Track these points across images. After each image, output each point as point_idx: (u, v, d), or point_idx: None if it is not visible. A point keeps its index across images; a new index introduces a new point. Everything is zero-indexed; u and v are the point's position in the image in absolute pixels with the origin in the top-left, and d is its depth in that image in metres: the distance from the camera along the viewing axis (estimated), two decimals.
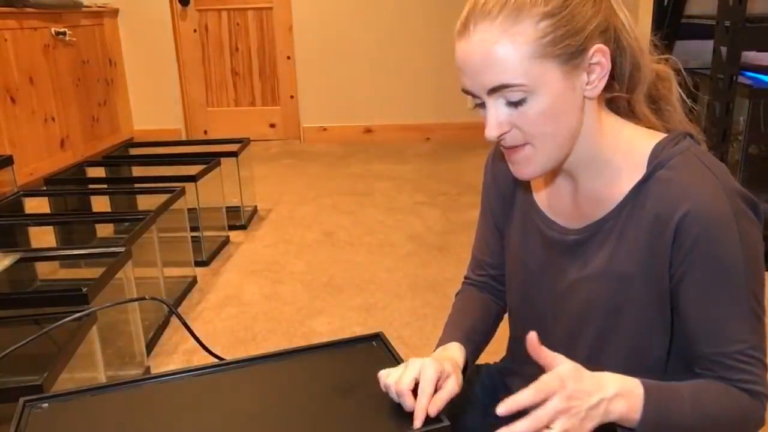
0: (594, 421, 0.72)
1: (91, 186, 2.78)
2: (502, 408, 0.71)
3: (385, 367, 0.81)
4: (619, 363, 0.84)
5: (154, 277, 2.10)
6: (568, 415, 0.70)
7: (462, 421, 1.03)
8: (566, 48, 0.73)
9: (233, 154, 2.86)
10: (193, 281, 2.36)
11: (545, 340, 0.93)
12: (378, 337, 0.95)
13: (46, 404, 0.82)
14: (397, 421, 0.76)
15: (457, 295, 1.06)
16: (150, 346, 1.90)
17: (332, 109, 4.60)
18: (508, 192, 0.97)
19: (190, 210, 2.42)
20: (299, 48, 4.51)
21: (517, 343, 1.02)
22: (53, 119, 3.57)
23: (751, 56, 2.49)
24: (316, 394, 0.83)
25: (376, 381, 0.80)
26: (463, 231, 2.79)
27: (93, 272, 1.59)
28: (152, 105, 4.57)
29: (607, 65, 0.76)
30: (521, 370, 1.01)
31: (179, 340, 1.95)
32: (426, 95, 4.46)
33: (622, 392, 0.73)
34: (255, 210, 3.15)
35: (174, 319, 2.05)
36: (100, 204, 2.64)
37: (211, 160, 2.66)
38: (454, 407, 1.02)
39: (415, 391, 0.77)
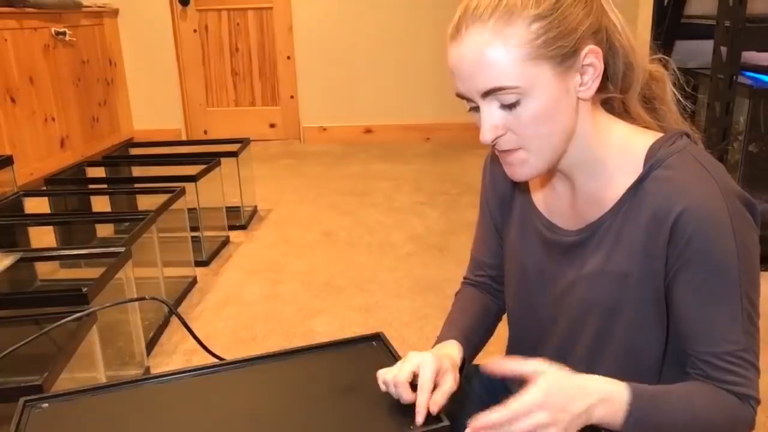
0: (577, 427, 0.72)
1: (91, 186, 2.78)
2: (474, 424, 0.71)
3: (385, 367, 0.81)
4: (617, 363, 0.84)
5: (154, 277, 2.10)
6: (555, 428, 0.71)
7: (462, 421, 1.03)
8: (559, 49, 0.73)
9: (233, 154, 2.86)
10: (193, 281, 2.36)
11: (544, 341, 0.93)
12: (378, 338, 0.95)
13: (46, 404, 0.82)
14: (397, 421, 0.76)
15: (456, 294, 1.07)
16: (150, 346, 1.90)
17: (332, 109, 4.60)
18: (507, 193, 0.97)
19: (190, 210, 2.42)
20: (299, 48, 4.51)
21: (516, 343, 1.02)
22: (53, 119, 3.57)
23: (751, 56, 2.49)
24: (316, 394, 0.83)
25: (376, 381, 0.80)
26: (463, 231, 2.79)
27: (93, 272, 1.59)
28: (152, 105, 4.57)
29: (600, 66, 0.76)
30: None
31: (179, 340, 1.95)
32: (426, 95, 4.45)
33: (606, 397, 0.73)
34: (255, 210, 3.15)
35: (174, 319, 2.05)
36: (100, 204, 2.65)
37: (211, 160, 2.66)
38: (453, 406, 1.03)
39: (413, 386, 0.77)
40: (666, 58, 0.87)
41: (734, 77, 2.18)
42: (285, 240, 2.79)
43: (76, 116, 3.81)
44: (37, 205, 2.46)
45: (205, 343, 1.00)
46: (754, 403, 0.77)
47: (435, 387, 0.78)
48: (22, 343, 0.98)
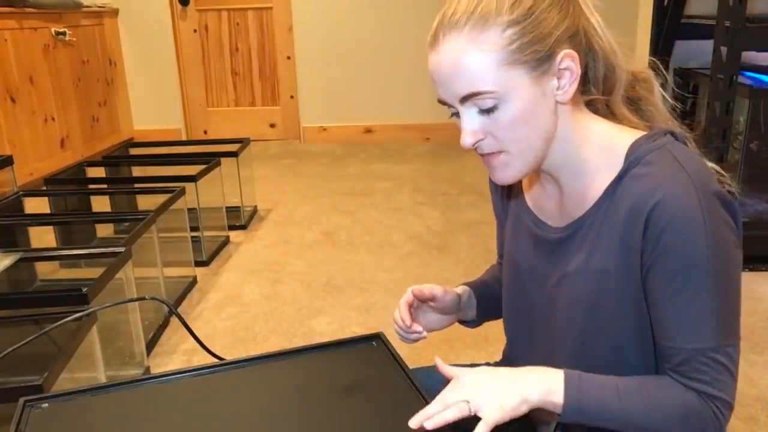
0: (511, 397, 0.74)
1: (91, 186, 2.79)
2: (413, 422, 0.74)
3: (385, 368, 0.81)
4: (603, 362, 0.84)
5: (154, 277, 2.10)
6: (483, 389, 0.75)
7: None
8: (533, 54, 0.74)
9: (233, 154, 2.86)
10: (193, 281, 2.36)
11: (536, 339, 0.94)
12: (378, 337, 0.96)
13: (46, 404, 0.82)
14: (397, 421, 0.76)
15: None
16: (150, 346, 1.90)
17: (332, 109, 4.60)
18: (505, 194, 1.00)
19: (190, 210, 2.42)
20: (299, 48, 4.51)
21: (512, 342, 1.03)
22: (53, 119, 3.57)
23: (751, 56, 2.49)
24: (316, 394, 0.83)
25: (376, 381, 0.80)
26: (463, 231, 2.80)
27: (93, 272, 1.59)
28: (152, 105, 4.57)
29: (577, 70, 0.77)
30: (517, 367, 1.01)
31: (179, 340, 1.95)
32: (426, 95, 4.45)
33: (539, 371, 0.78)
34: (255, 210, 3.16)
35: (174, 319, 2.05)
36: (100, 204, 2.65)
37: (211, 160, 2.66)
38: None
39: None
40: (654, 60, 0.87)
41: (734, 77, 2.18)
42: (285, 240, 2.79)
43: (76, 116, 3.81)
44: (37, 205, 2.46)
45: (205, 343, 1.00)
46: (721, 407, 0.75)
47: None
48: (22, 343, 0.98)
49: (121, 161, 2.98)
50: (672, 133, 0.80)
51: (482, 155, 0.81)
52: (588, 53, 0.80)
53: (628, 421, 0.76)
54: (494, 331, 1.07)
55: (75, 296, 1.44)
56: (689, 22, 2.77)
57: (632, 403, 0.76)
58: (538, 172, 0.87)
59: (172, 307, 1.07)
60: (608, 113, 0.85)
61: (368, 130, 4.61)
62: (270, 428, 0.78)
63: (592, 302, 0.82)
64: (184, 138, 4.63)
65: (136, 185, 2.78)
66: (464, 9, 0.75)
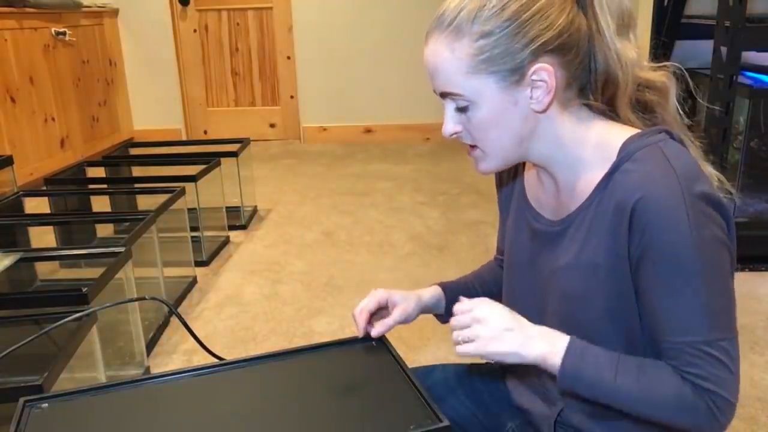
0: (505, 345, 0.79)
1: (91, 186, 2.78)
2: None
3: (385, 368, 0.81)
4: None
5: (154, 277, 2.10)
6: (487, 325, 0.80)
7: (464, 419, 1.03)
8: (502, 65, 0.77)
9: (233, 154, 2.86)
10: (193, 281, 2.36)
11: None
12: (378, 338, 0.95)
13: (46, 404, 0.82)
14: (397, 421, 0.76)
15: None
16: (150, 346, 1.90)
17: (332, 109, 4.60)
18: (507, 188, 1.01)
19: (190, 210, 2.42)
20: (299, 48, 4.51)
21: None
22: (53, 119, 3.57)
23: (751, 56, 2.49)
24: (316, 394, 0.83)
25: (376, 381, 0.80)
26: (463, 231, 2.80)
27: (93, 272, 1.59)
28: (152, 105, 4.57)
29: (552, 83, 0.78)
30: (516, 367, 1.01)
31: (179, 340, 1.95)
32: (426, 95, 4.42)
33: (546, 333, 0.81)
34: (255, 210, 3.15)
35: (174, 319, 2.05)
36: (100, 204, 2.65)
37: (211, 160, 2.66)
38: (454, 405, 1.03)
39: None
40: (678, 66, 0.86)
41: (734, 77, 2.18)
42: (285, 240, 2.79)
43: (76, 116, 3.81)
44: (37, 205, 2.46)
45: (205, 343, 1.00)
46: (719, 403, 0.74)
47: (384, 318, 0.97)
48: (22, 343, 0.98)
49: (121, 161, 2.98)
50: (668, 132, 0.80)
51: (467, 145, 0.87)
52: (590, 58, 0.80)
53: (618, 399, 0.77)
54: None
55: (75, 296, 1.44)
56: (689, 22, 2.77)
57: (626, 382, 0.77)
58: (536, 167, 0.89)
59: (172, 307, 1.07)
60: (613, 115, 0.85)
61: (368, 130, 4.61)
62: (270, 428, 0.78)
63: (584, 294, 0.83)
64: (184, 138, 4.63)
65: (136, 185, 2.78)
66: (451, 11, 0.78)
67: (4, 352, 0.98)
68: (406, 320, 1.00)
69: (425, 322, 1.19)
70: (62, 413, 0.81)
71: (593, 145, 0.82)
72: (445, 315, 1.08)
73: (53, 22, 3.57)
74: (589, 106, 0.84)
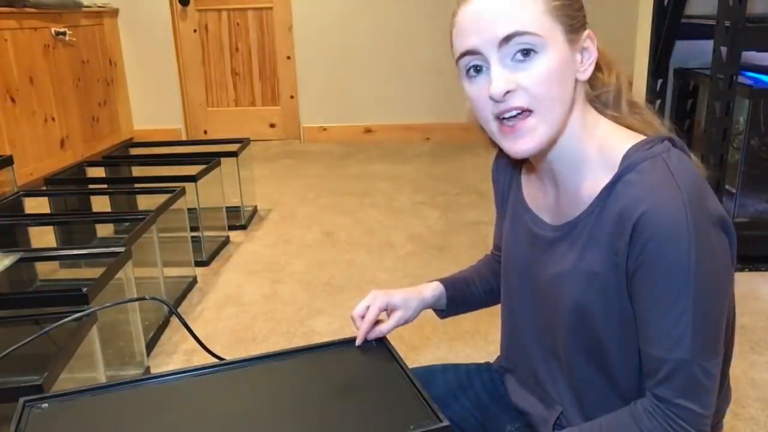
0: None
1: (91, 186, 2.78)
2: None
3: (385, 368, 0.81)
4: (589, 363, 0.85)
5: (154, 277, 2.10)
6: None
7: (463, 420, 1.03)
8: (570, 18, 0.78)
9: (233, 154, 2.86)
10: (193, 281, 2.36)
11: (530, 336, 0.95)
12: (378, 338, 0.95)
13: (46, 404, 0.82)
14: (397, 421, 0.76)
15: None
16: (150, 346, 1.90)
17: (332, 109, 4.60)
18: (505, 188, 1.00)
19: (190, 210, 2.42)
20: (299, 48, 4.51)
21: (506, 339, 1.03)
22: (53, 119, 3.57)
23: (751, 56, 2.49)
24: (316, 394, 0.83)
25: (376, 381, 0.80)
26: (463, 231, 2.80)
27: (93, 272, 1.59)
28: (152, 105, 4.57)
29: (595, 53, 0.80)
30: (514, 367, 1.01)
31: (179, 340, 1.95)
32: (426, 95, 4.45)
33: None
34: (255, 210, 3.16)
35: (174, 319, 2.05)
36: (100, 204, 2.64)
37: (211, 160, 2.66)
38: (454, 406, 1.03)
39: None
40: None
41: (734, 77, 2.18)
42: (285, 240, 2.79)
43: (76, 116, 3.81)
44: (37, 205, 2.46)
45: (205, 343, 1.00)
46: (686, 415, 0.75)
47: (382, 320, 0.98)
48: (22, 343, 0.98)
49: (121, 161, 2.98)
50: (671, 140, 0.80)
51: (501, 122, 0.79)
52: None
53: None
54: (494, 331, 1.07)
55: (75, 296, 1.44)
56: (689, 22, 2.77)
57: None
58: (537, 169, 0.89)
59: (172, 307, 1.07)
60: (612, 106, 0.86)
61: (368, 130, 4.61)
62: (270, 428, 0.78)
63: (581, 302, 0.82)
64: (184, 138, 4.63)
65: (136, 185, 2.78)
66: None
67: (4, 352, 0.98)
68: (404, 324, 1.01)
69: (425, 322, 1.20)
70: (62, 413, 0.81)
71: (598, 146, 0.82)
72: (445, 311, 1.09)
73: (53, 22, 3.57)
74: (598, 98, 0.85)
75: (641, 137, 0.81)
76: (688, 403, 0.74)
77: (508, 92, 0.76)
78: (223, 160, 2.75)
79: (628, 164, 0.77)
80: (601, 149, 0.81)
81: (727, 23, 2.13)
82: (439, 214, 3.03)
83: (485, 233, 2.74)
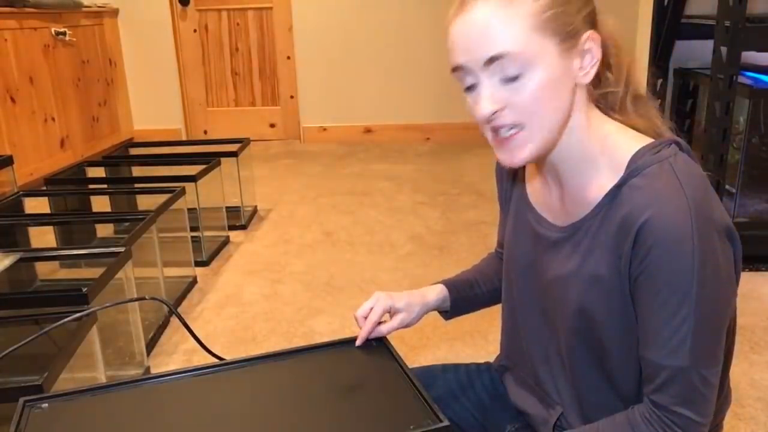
0: None
1: (91, 186, 2.78)
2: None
3: (385, 368, 0.81)
4: (590, 365, 0.84)
5: (154, 277, 2.10)
6: None
7: (463, 420, 1.03)
8: (563, 26, 0.75)
9: (233, 154, 2.86)
10: (193, 281, 2.36)
11: (531, 336, 0.95)
12: (378, 337, 0.95)
13: (46, 404, 0.82)
14: (397, 421, 0.76)
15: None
16: (150, 346, 1.90)
17: (332, 109, 4.60)
18: (508, 187, 1.00)
19: (190, 210, 2.42)
20: (299, 48, 4.51)
21: (507, 339, 1.03)
22: (53, 119, 3.57)
23: (751, 56, 2.49)
24: (316, 394, 0.83)
25: (376, 381, 0.80)
26: (463, 231, 2.80)
27: (93, 272, 1.59)
28: (152, 105, 4.57)
29: (598, 54, 0.78)
30: (514, 366, 1.01)
31: (179, 340, 1.95)
32: (426, 95, 4.45)
33: None
34: (255, 210, 3.15)
35: (174, 319, 2.05)
36: (100, 204, 2.64)
37: (211, 160, 2.66)
38: (454, 406, 1.03)
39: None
40: None
41: (734, 77, 2.18)
42: (285, 240, 2.79)
43: (76, 116, 3.81)
44: (37, 205, 2.46)
45: (205, 343, 1.00)
46: (682, 422, 0.75)
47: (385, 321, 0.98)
48: (22, 343, 0.98)
49: (121, 161, 2.98)
50: (677, 143, 0.79)
51: (497, 134, 0.79)
52: (610, 41, 0.81)
53: None
54: (494, 331, 1.07)
55: (75, 296, 1.44)
56: (689, 22, 2.77)
57: None
58: (543, 168, 0.88)
59: (172, 307, 1.06)
60: (618, 107, 0.85)
61: (368, 130, 4.61)
62: (270, 428, 0.78)
63: (584, 304, 0.82)
64: (184, 138, 4.63)
65: (136, 185, 2.78)
66: None
67: (4, 352, 0.98)
68: (405, 327, 1.01)
69: (426, 322, 1.19)
70: (62, 413, 0.81)
71: (603, 147, 0.81)
72: (449, 312, 1.08)
73: (53, 22, 3.57)
74: (603, 98, 0.84)
75: (647, 139, 0.80)
76: (686, 410, 0.74)
77: (495, 112, 0.76)
78: (223, 160, 2.76)
79: (635, 168, 0.77)
80: (606, 150, 0.81)
81: (727, 23, 2.13)
82: (439, 214, 3.03)
83: (485, 233, 2.74)
